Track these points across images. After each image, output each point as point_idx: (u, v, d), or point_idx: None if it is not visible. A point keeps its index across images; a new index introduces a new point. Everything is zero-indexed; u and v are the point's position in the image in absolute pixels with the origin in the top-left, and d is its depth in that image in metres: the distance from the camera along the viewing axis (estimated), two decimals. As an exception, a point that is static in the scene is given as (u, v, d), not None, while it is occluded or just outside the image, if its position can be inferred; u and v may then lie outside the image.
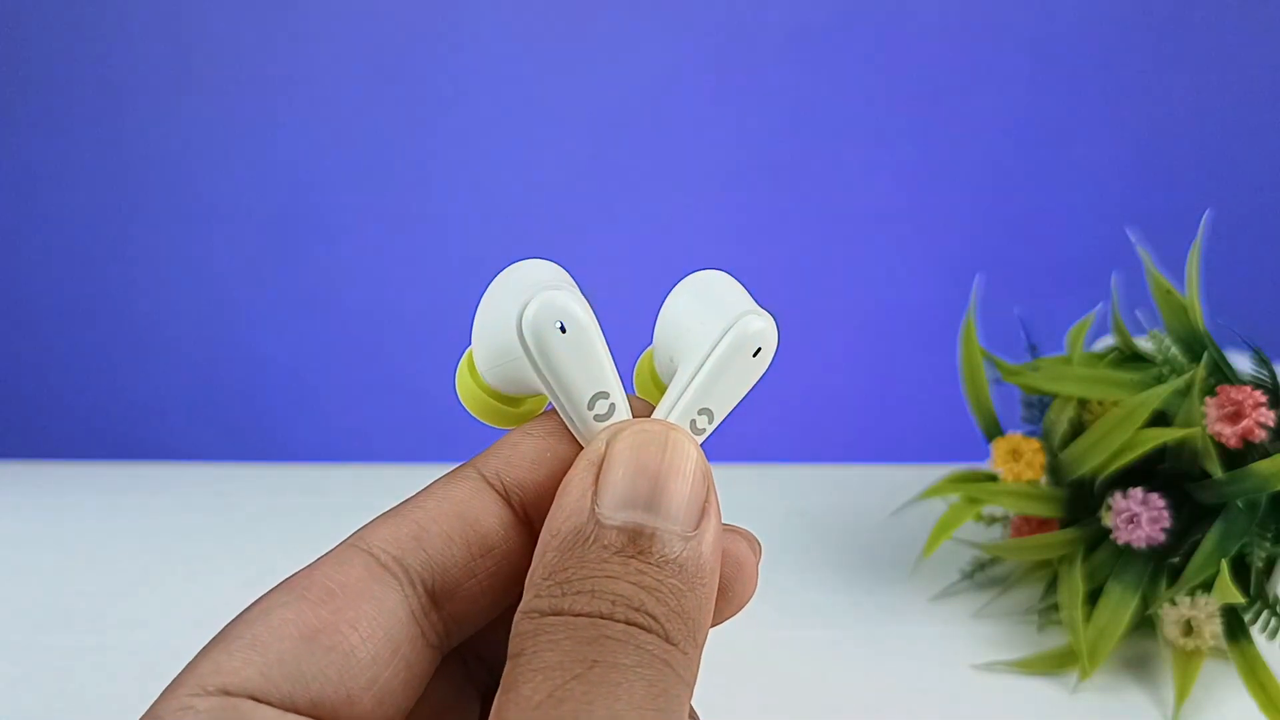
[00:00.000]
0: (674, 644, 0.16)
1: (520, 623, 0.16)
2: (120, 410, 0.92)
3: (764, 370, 0.18)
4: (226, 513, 0.52)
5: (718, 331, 0.18)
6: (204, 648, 0.16)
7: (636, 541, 0.16)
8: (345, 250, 0.87)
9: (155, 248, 0.87)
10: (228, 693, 0.15)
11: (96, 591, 0.44)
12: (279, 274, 0.87)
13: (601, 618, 0.15)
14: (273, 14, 0.79)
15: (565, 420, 0.18)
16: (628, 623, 0.15)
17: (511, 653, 0.16)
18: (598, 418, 0.18)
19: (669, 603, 0.16)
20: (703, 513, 0.17)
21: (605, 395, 0.18)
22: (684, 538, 0.16)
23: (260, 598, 0.16)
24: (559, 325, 0.17)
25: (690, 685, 0.16)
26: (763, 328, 0.18)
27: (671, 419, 0.18)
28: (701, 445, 0.18)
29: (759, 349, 0.18)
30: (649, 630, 0.15)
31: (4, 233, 0.86)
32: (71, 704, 0.37)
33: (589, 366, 0.18)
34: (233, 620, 0.16)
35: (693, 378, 0.18)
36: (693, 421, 0.18)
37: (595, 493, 0.17)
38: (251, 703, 0.15)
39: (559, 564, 0.16)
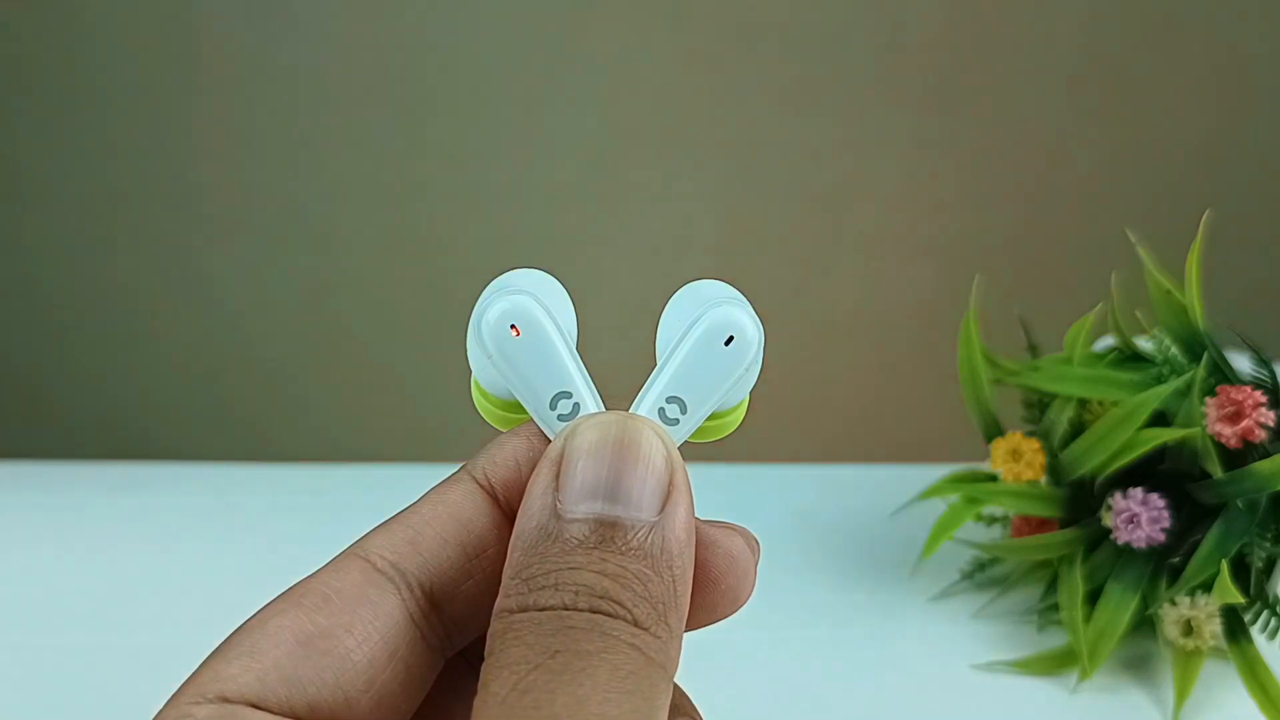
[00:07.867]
0: (644, 628, 0.16)
1: (492, 623, 0.16)
2: (120, 410, 0.92)
3: (744, 362, 0.18)
4: (226, 513, 0.51)
5: (690, 322, 0.18)
6: (206, 658, 0.16)
7: (600, 532, 0.16)
8: (346, 250, 0.87)
9: (155, 247, 0.87)
10: (226, 699, 0.15)
11: (96, 591, 0.44)
12: (279, 273, 0.87)
13: (565, 609, 0.15)
14: (273, 15, 0.79)
15: (537, 421, 0.19)
16: (592, 611, 0.15)
17: (485, 654, 0.16)
18: (561, 417, 0.18)
19: (635, 588, 0.16)
20: (667, 496, 0.17)
21: (568, 395, 0.18)
22: (648, 523, 0.16)
23: (261, 608, 0.17)
24: (512, 328, 0.18)
25: (667, 669, 0.16)
26: (735, 316, 0.18)
27: (641, 410, 0.18)
28: (681, 436, 0.18)
29: (730, 337, 0.18)
30: (615, 616, 0.15)
31: (3, 232, 0.86)
32: (72, 704, 0.37)
33: (546, 368, 0.18)
34: (234, 630, 0.16)
35: (662, 367, 0.18)
36: (661, 410, 0.18)
37: (557, 489, 0.17)
38: (249, 709, 0.15)
39: (524, 562, 0.16)
